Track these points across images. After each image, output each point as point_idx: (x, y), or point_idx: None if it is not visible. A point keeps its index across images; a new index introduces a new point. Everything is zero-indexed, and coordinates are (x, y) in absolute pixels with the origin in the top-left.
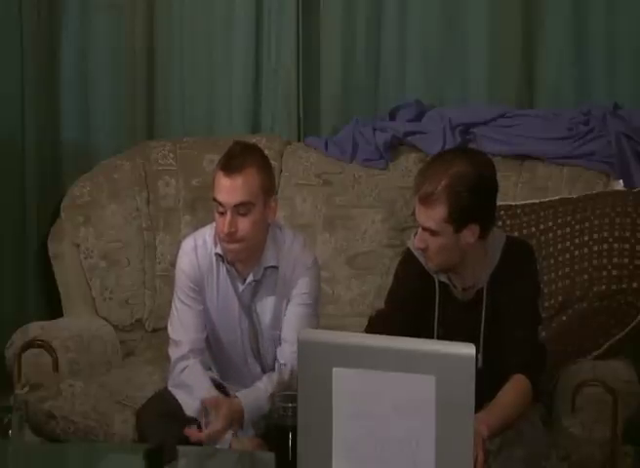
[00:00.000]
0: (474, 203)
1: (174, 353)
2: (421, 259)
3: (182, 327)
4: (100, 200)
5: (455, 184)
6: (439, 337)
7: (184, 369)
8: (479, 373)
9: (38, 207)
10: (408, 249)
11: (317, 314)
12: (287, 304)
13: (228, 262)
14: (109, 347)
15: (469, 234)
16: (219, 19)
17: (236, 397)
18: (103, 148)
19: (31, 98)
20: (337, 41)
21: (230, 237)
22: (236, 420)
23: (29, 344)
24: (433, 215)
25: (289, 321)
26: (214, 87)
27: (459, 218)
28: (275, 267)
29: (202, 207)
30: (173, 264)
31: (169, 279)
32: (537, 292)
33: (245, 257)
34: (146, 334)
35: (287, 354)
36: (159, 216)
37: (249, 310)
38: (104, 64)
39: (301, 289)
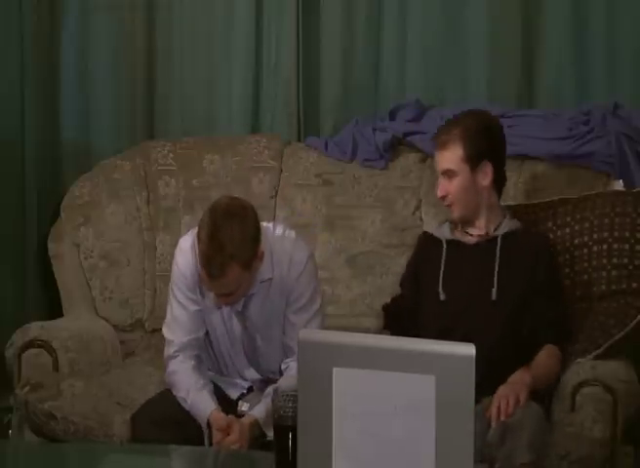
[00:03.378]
0: (486, 142)
1: (165, 351)
2: (439, 231)
3: (176, 326)
4: (100, 200)
5: (467, 128)
6: (444, 280)
7: (174, 372)
8: (492, 305)
9: (38, 207)
10: (420, 234)
11: (320, 312)
12: (285, 304)
13: None
14: (109, 347)
15: (484, 175)
16: (219, 19)
17: (248, 414)
18: (103, 148)
19: (31, 98)
20: (337, 41)
21: (225, 301)
22: (251, 435)
23: (29, 344)
24: (450, 156)
25: (293, 331)
26: (214, 87)
27: (474, 156)
28: (270, 279)
29: (202, 207)
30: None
31: (169, 279)
32: (557, 270)
33: None
34: (146, 335)
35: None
36: (159, 216)
37: (242, 317)
38: (104, 64)
39: (299, 290)
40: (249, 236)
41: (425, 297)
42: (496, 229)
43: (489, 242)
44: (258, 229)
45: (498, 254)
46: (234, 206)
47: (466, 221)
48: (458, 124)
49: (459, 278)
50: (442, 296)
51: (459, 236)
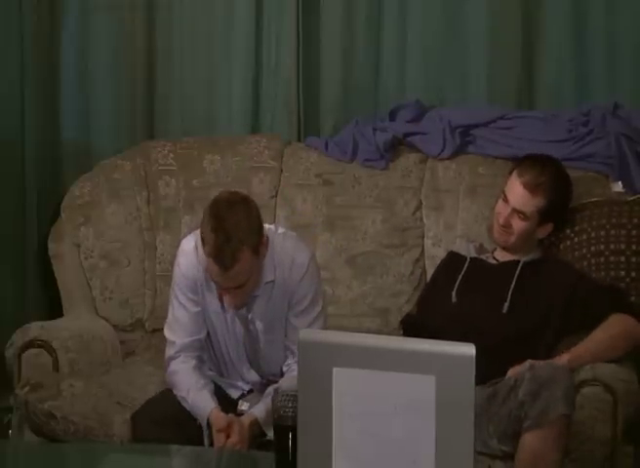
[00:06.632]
0: (562, 205)
1: (167, 351)
2: (465, 249)
3: (177, 327)
4: (100, 200)
5: (559, 184)
6: (459, 287)
7: (175, 372)
8: (503, 317)
9: (38, 207)
10: (448, 253)
11: (322, 314)
12: (287, 307)
13: None
14: (109, 347)
15: (544, 231)
16: (219, 19)
17: (248, 412)
18: (103, 148)
19: (31, 98)
20: (337, 41)
21: (233, 299)
22: (251, 434)
23: (29, 344)
24: (534, 202)
25: (295, 334)
26: (214, 87)
27: (547, 213)
28: (273, 281)
29: (202, 207)
30: (173, 264)
31: (169, 279)
32: (588, 277)
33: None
34: (146, 334)
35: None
36: (159, 216)
37: (245, 319)
38: (104, 64)
39: (301, 293)
40: (254, 221)
41: (437, 299)
42: (521, 256)
43: (511, 264)
44: (260, 216)
45: (516, 275)
46: (235, 196)
47: (506, 249)
48: (554, 173)
49: (474, 289)
50: (454, 299)
51: (483, 257)
